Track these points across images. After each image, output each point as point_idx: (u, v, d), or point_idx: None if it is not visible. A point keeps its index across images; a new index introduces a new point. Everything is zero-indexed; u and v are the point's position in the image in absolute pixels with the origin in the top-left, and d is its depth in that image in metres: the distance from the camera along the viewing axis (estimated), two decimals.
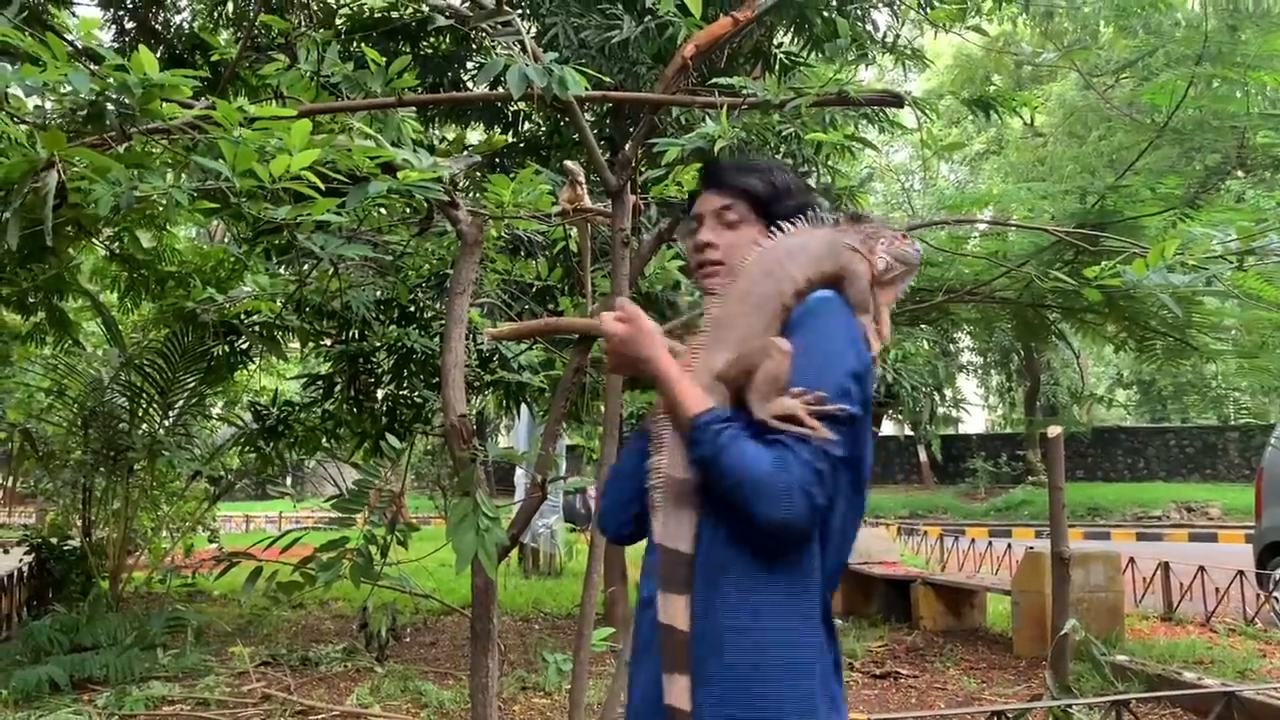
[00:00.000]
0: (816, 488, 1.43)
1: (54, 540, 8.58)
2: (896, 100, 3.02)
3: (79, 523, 8.63)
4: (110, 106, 2.25)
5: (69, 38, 3.71)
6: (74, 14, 6.58)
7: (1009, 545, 11.01)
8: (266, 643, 7.34)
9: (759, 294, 1.60)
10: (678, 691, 1.47)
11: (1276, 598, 8.56)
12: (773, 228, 1.69)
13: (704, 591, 1.50)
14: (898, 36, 8.05)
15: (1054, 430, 4.64)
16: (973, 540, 12.32)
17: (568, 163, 3.54)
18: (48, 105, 2.53)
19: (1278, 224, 4.64)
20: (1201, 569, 8.55)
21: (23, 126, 2.24)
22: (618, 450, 1.50)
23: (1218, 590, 8.32)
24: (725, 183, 1.77)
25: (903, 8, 7.41)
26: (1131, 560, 8.90)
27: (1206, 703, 4.67)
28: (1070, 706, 4.20)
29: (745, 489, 1.43)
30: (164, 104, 2.27)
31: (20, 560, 8.66)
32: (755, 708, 1.44)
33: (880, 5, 7.44)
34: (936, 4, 6.92)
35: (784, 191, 1.76)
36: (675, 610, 1.50)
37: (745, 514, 1.45)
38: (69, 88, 2.19)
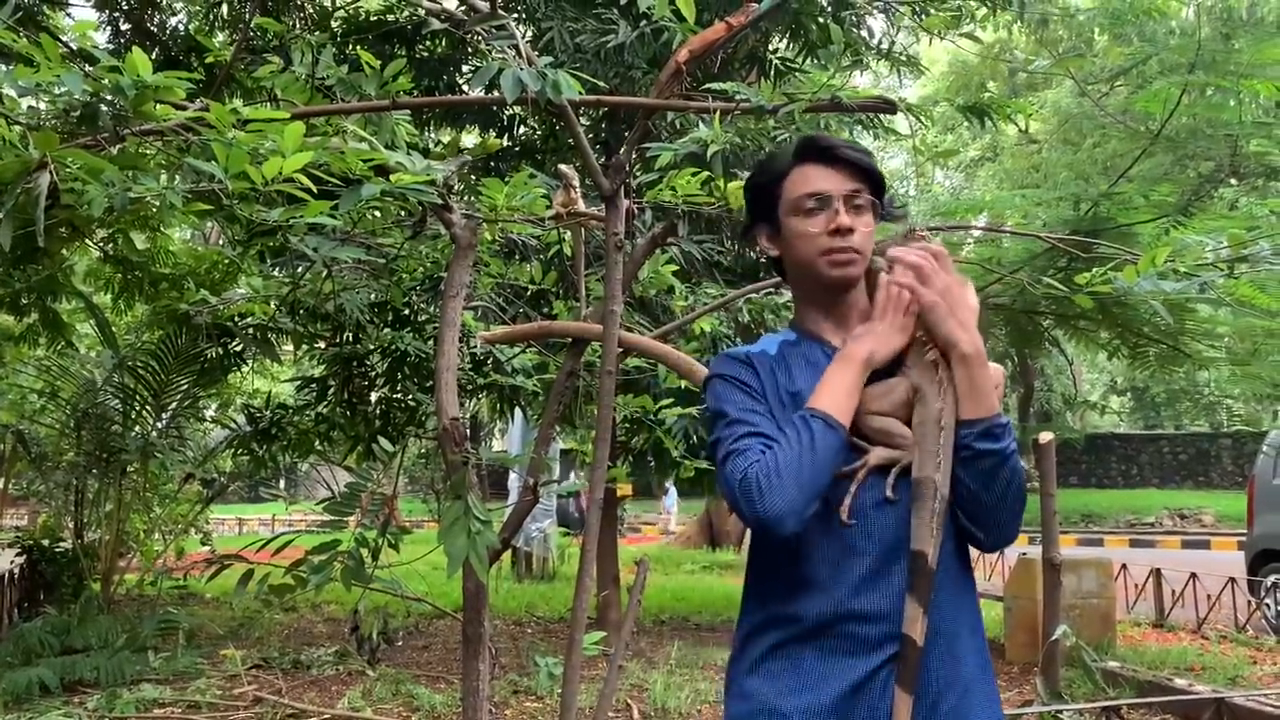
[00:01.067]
0: None
1: (46, 542, 8.54)
2: (889, 106, 3.03)
3: (71, 525, 8.61)
4: (104, 108, 2.25)
5: (64, 39, 3.71)
6: (69, 15, 6.59)
7: (1001, 551, 11.01)
8: (258, 645, 7.32)
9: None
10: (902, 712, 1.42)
11: (1268, 605, 8.59)
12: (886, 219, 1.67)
13: (948, 606, 1.50)
14: (893, 43, 8.07)
15: (1045, 436, 4.64)
16: None
17: (562, 167, 3.55)
18: (41, 106, 2.53)
19: (1270, 231, 4.66)
20: (1193, 576, 8.57)
21: (16, 127, 2.24)
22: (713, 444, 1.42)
23: (1209, 597, 8.34)
24: (849, 160, 1.63)
25: (897, 15, 7.43)
26: (1124, 567, 8.92)
27: (1197, 709, 4.68)
28: (1061, 712, 4.20)
29: (1021, 500, 1.49)
30: (158, 105, 2.27)
31: (12, 562, 8.63)
32: None
33: (875, 12, 7.46)
34: (931, 11, 6.94)
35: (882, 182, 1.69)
36: (914, 621, 1.44)
37: (1006, 523, 1.51)
38: (62, 89, 2.19)
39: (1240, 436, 24.23)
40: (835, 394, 1.50)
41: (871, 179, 1.63)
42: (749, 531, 1.55)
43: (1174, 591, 8.72)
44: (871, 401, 1.53)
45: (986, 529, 1.52)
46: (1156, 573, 8.92)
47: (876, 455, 1.51)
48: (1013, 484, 1.48)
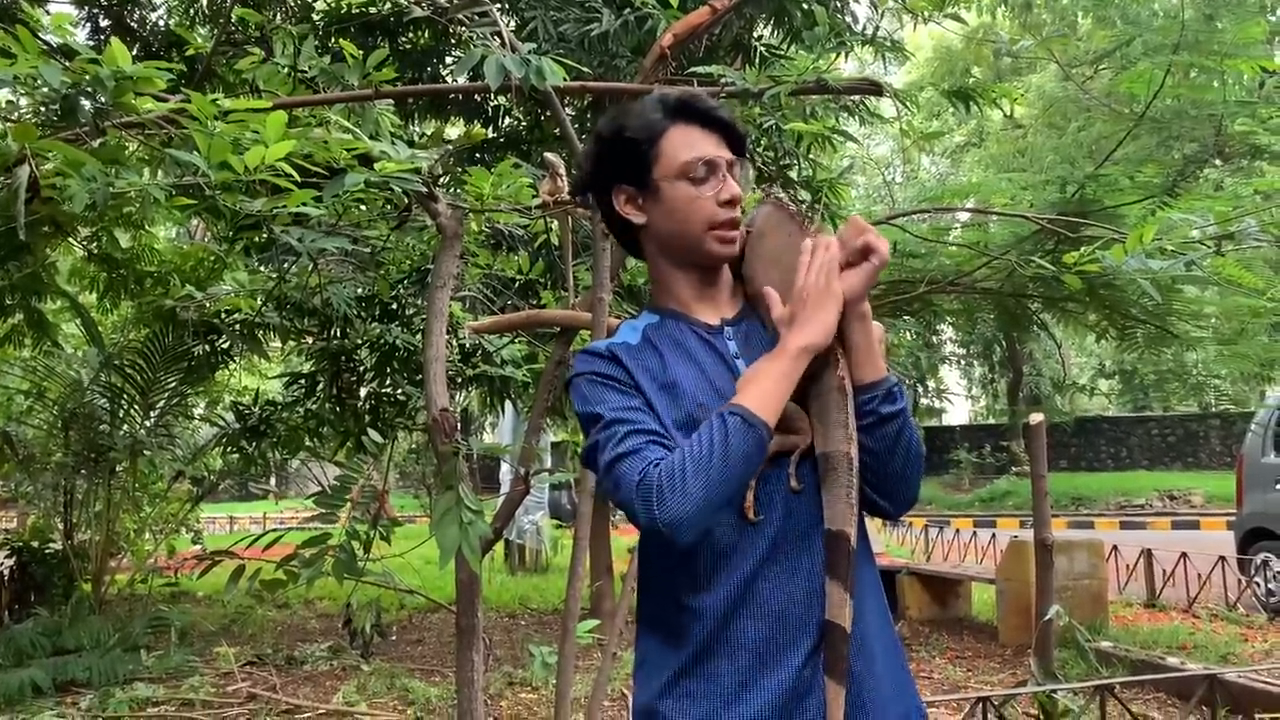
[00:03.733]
0: None
1: (35, 544, 8.50)
2: (875, 88, 3.02)
3: (60, 525, 8.56)
4: (84, 100, 2.22)
5: (43, 35, 3.67)
6: (48, 11, 6.52)
7: (993, 535, 11.06)
8: (251, 642, 7.31)
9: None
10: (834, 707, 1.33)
11: (1258, 583, 8.64)
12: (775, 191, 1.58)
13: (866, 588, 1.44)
14: (877, 29, 8.06)
15: (1036, 418, 4.65)
16: (957, 530, 12.38)
17: (548, 155, 3.53)
18: (21, 101, 2.50)
19: (1256, 210, 4.68)
20: (1184, 555, 8.62)
21: None
22: (587, 450, 1.33)
23: (1200, 576, 8.39)
24: (725, 123, 1.53)
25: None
26: (1115, 548, 8.96)
27: (1189, 686, 4.71)
28: (1055, 692, 4.22)
29: (921, 461, 1.46)
30: (138, 98, 2.24)
31: (1, 564, 8.59)
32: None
33: None
34: None
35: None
36: (840, 606, 1.35)
37: (906, 488, 1.47)
38: (41, 82, 2.16)
39: (1228, 416, 24.36)
40: (761, 388, 1.35)
41: (741, 145, 1.54)
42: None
43: (1165, 571, 8.77)
44: None
45: (892, 496, 1.46)
46: (1147, 553, 8.96)
47: (771, 445, 1.37)
48: (913, 445, 1.43)
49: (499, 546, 11.20)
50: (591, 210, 3.23)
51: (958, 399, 32.92)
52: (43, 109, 2.44)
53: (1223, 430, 24.36)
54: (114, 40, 2.17)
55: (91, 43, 6.57)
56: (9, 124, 2.06)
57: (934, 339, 23.35)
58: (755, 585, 1.38)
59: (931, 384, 29.00)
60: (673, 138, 1.50)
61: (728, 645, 1.37)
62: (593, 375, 1.46)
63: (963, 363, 29.73)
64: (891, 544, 13.12)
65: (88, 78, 2.16)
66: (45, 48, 3.01)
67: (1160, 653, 6.16)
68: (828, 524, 1.38)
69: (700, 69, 2.88)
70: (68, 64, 2.25)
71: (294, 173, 2.13)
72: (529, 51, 2.62)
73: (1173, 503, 20.22)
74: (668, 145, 1.50)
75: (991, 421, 29.42)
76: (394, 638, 7.77)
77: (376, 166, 2.46)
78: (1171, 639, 6.83)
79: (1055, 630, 4.79)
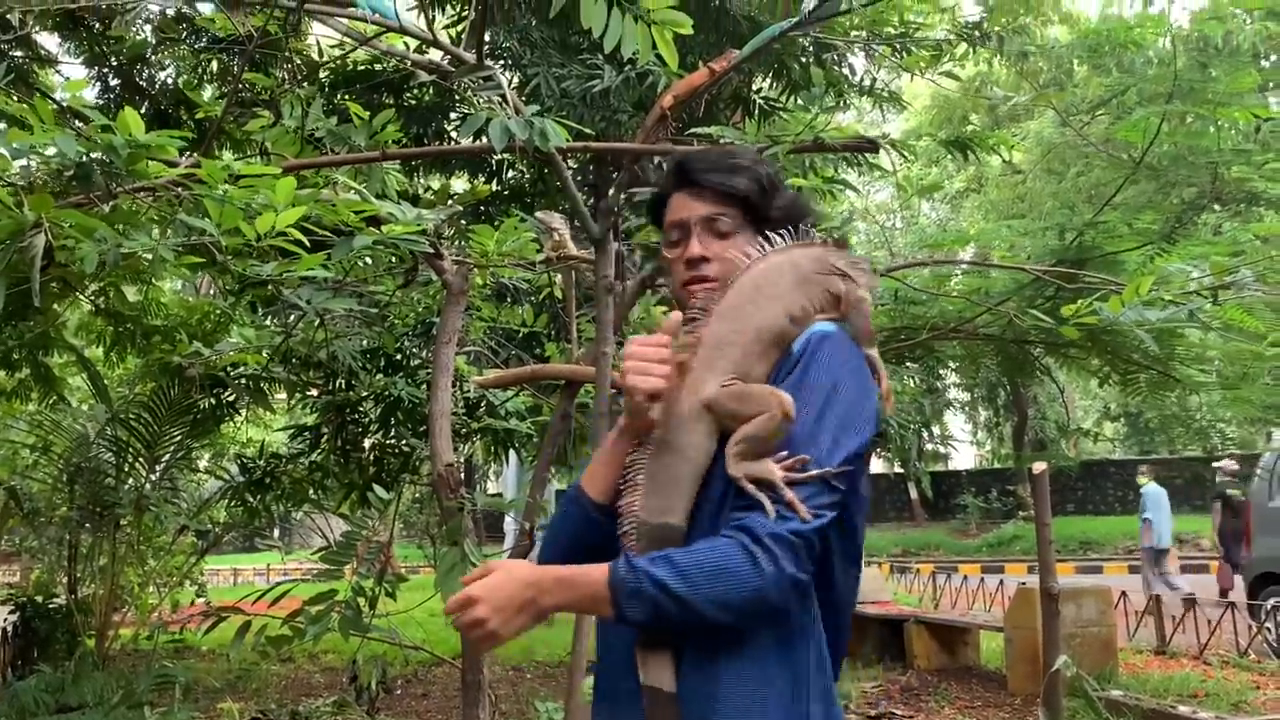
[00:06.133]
0: (795, 567, 1.27)
1: (39, 598, 8.47)
2: (872, 146, 3.07)
3: (64, 580, 8.53)
4: (96, 167, 2.27)
5: (55, 96, 3.75)
6: (59, 72, 6.64)
7: (1001, 581, 10.99)
8: (256, 698, 7.25)
9: (757, 317, 1.40)
10: None
11: (1269, 629, 8.57)
12: (763, 236, 1.48)
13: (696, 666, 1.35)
14: (874, 80, 8.18)
15: (1039, 466, 4.65)
16: (965, 577, 12.29)
17: (540, 214, 3.59)
18: (34, 166, 2.55)
19: (1255, 256, 4.71)
20: (1193, 601, 8.55)
21: (8, 188, 2.26)
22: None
23: (1210, 622, 8.32)
24: (710, 185, 1.53)
25: (879, 54, 7.54)
26: (1123, 594, 8.89)
27: None
28: None
29: (724, 615, 1.27)
30: (150, 163, 2.29)
31: (4, 619, 8.55)
32: None
33: (856, 51, 7.56)
34: (911, 50, 7.04)
35: (772, 188, 1.55)
36: (661, 669, 1.34)
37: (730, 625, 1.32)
38: (55, 150, 2.22)
39: (1217, 460, 24.24)
40: (597, 464, 1.47)
41: (738, 201, 1.52)
42: None
43: (1174, 617, 8.70)
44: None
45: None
46: (1156, 599, 8.90)
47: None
48: (694, 617, 1.35)
49: None
50: (595, 264, 3.27)
51: (963, 444, 32.82)
52: (56, 174, 2.49)
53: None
54: (127, 108, 2.23)
55: (101, 101, 6.67)
56: (25, 193, 2.11)
57: (938, 384, 23.34)
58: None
59: (936, 429, 28.93)
60: (670, 204, 1.58)
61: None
62: None
63: (967, 407, 29.69)
64: (899, 592, 13.03)
65: (101, 145, 2.21)
66: (56, 107, 3.08)
67: (1172, 701, 6.10)
68: (642, 677, 1.35)
69: (700, 129, 2.94)
70: (81, 129, 2.31)
71: (303, 238, 2.17)
72: (533, 113, 2.67)
73: (1181, 546, 20.06)
74: (666, 213, 1.59)
75: (997, 466, 29.29)
76: (399, 692, 7.71)
77: (384, 228, 2.50)
78: (1183, 687, 6.77)
79: (1064, 680, 4.75)
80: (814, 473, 1.30)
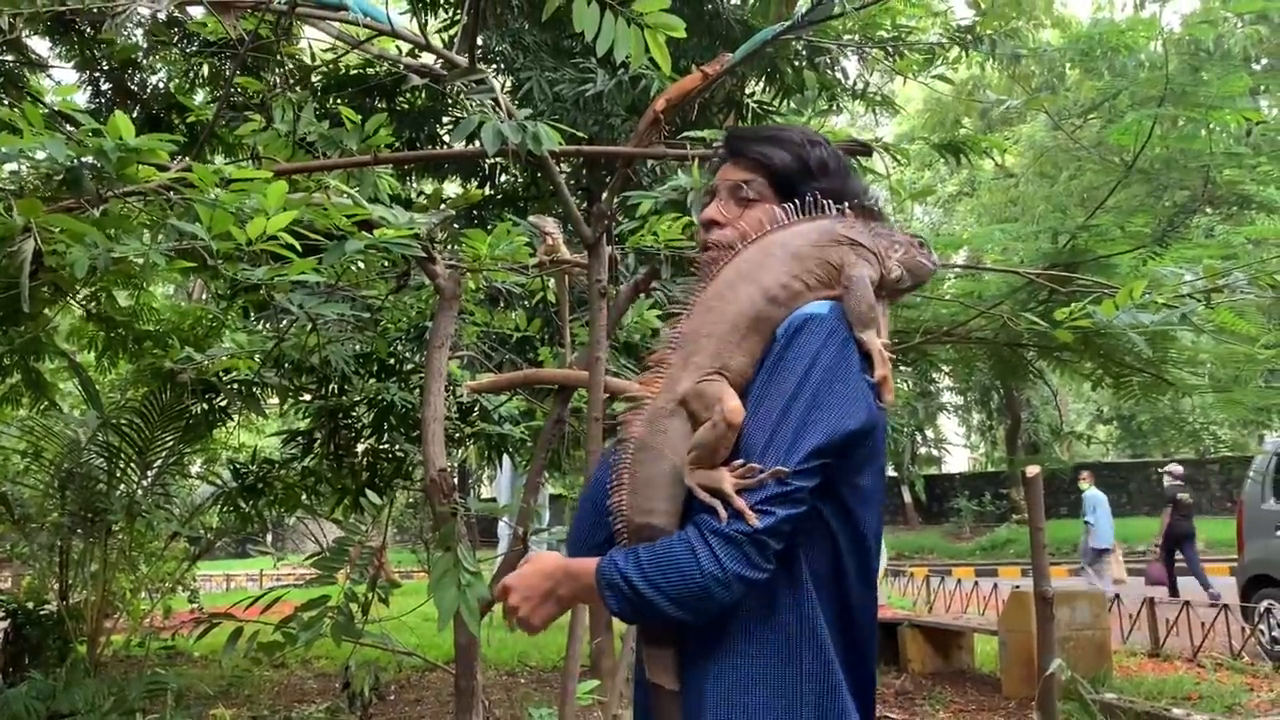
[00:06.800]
0: (741, 565, 1.25)
1: (30, 605, 8.42)
2: (865, 149, 3.07)
3: (56, 586, 8.49)
4: (86, 171, 2.26)
5: (45, 100, 3.73)
6: (50, 76, 6.61)
7: (995, 584, 11.00)
8: (248, 704, 7.23)
9: (733, 304, 1.35)
10: None
11: (1262, 631, 8.58)
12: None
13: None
14: (867, 84, 8.19)
15: (1032, 470, 4.64)
16: (959, 580, 12.30)
17: (533, 218, 3.58)
18: (23, 170, 2.54)
19: (1246, 259, 4.72)
20: (1187, 604, 8.56)
21: None
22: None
23: (1203, 625, 8.33)
24: (744, 153, 1.53)
25: (871, 57, 7.54)
26: (1117, 596, 8.91)
27: None
28: None
29: (675, 611, 1.27)
30: (141, 167, 2.28)
31: None
32: None
33: (849, 54, 7.56)
34: (904, 53, 7.05)
35: (816, 169, 1.49)
36: (662, 667, 1.36)
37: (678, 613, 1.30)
38: (45, 154, 2.20)
39: (1227, 462, 24.32)
40: None
41: (765, 170, 1.50)
42: None
43: (1168, 620, 8.71)
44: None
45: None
46: (1149, 602, 8.91)
47: None
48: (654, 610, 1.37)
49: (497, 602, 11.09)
50: (589, 267, 3.26)
51: (956, 447, 32.87)
52: (46, 179, 2.48)
53: (1222, 476, 24.31)
54: (118, 112, 2.22)
55: (92, 105, 6.65)
56: (14, 198, 2.10)
57: (931, 388, 23.36)
58: None
59: (929, 433, 28.96)
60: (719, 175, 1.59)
61: None
62: None
63: (960, 411, 29.72)
64: (893, 595, 13.03)
65: (92, 149, 2.20)
66: (46, 111, 3.06)
67: (1166, 704, 6.11)
68: (647, 674, 1.39)
69: (693, 133, 2.94)
70: (71, 133, 2.30)
71: (295, 242, 2.16)
72: (525, 116, 2.67)
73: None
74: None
75: (991, 469, 29.34)
76: (392, 698, 7.69)
77: (376, 232, 2.50)
78: (1177, 689, 6.78)
79: (1058, 683, 4.75)
80: (763, 475, 1.26)
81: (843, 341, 1.34)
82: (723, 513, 1.25)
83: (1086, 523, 13.55)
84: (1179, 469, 13.74)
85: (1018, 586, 7.47)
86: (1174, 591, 11.56)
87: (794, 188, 1.47)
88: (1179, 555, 12.64)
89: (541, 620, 1.39)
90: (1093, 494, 13.82)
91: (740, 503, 1.25)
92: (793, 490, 1.26)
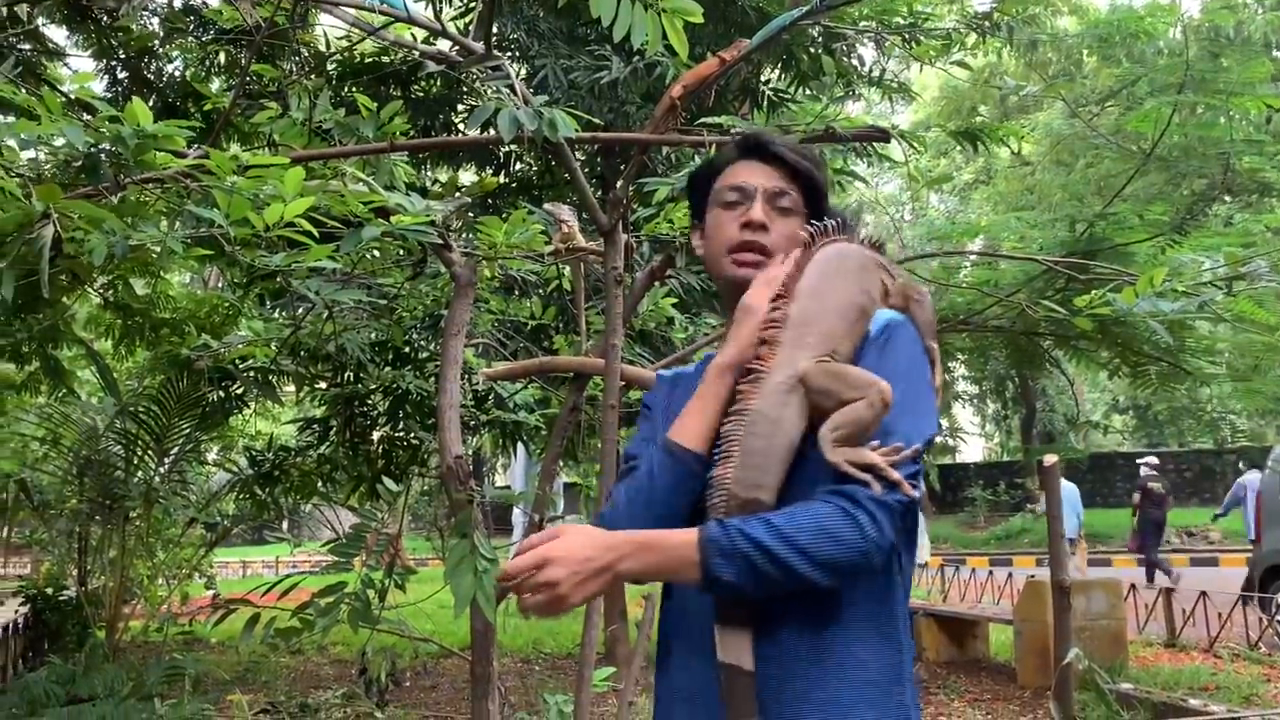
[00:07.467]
0: (894, 533, 1.30)
1: (49, 590, 8.51)
2: (883, 135, 3.05)
3: (74, 572, 8.57)
4: (104, 158, 2.26)
5: (63, 89, 3.74)
6: (67, 65, 6.64)
7: (1010, 574, 10.97)
8: (265, 690, 7.27)
9: (835, 295, 1.41)
10: None
11: (1279, 621, 8.54)
12: (813, 224, 1.49)
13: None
14: (883, 71, 8.14)
15: (1050, 459, 4.64)
16: (973, 569, 12.27)
17: (548, 206, 3.57)
18: (41, 157, 2.55)
19: (1266, 248, 4.68)
20: (1203, 594, 8.52)
21: (16, 179, 2.26)
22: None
23: (1220, 615, 8.29)
24: (785, 160, 1.53)
25: (888, 44, 7.50)
26: (1133, 587, 8.87)
27: None
28: None
29: (820, 575, 1.27)
30: (158, 154, 2.28)
31: (15, 611, 8.59)
32: None
33: (865, 41, 7.52)
34: (921, 39, 7.01)
35: (826, 190, 1.57)
36: (740, 648, 1.32)
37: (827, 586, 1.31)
38: (63, 140, 2.21)
39: (1245, 452, 24.16)
40: (688, 416, 1.42)
41: (806, 182, 1.54)
42: None
43: (1184, 610, 8.67)
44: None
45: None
46: (1166, 592, 8.87)
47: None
48: (793, 577, 1.34)
49: None
50: (605, 255, 3.26)
51: (971, 436, 32.78)
52: (64, 165, 2.49)
53: (1239, 466, 24.15)
54: (136, 100, 2.22)
55: (109, 94, 6.66)
56: (33, 184, 2.11)
57: (946, 377, 23.31)
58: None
59: (945, 422, 28.89)
60: (726, 173, 1.56)
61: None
62: (644, 403, 1.63)
63: (975, 400, 29.63)
64: None
65: (109, 135, 2.20)
66: (64, 100, 3.07)
67: (1182, 694, 6.08)
68: (720, 655, 1.33)
69: (709, 120, 2.92)
70: (89, 121, 2.30)
71: (312, 228, 2.16)
72: (541, 102, 2.66)
73: (1190, 539, 20.01)
74: (719, 179, 1.57)
75: (1006, 459, 29.25)
76: (408, 684, 7.72)
77: (393, 219, 2.49)
78: (1193, 680, 6.75)
79: (1075, 673, 4.74)
80: (908, 452, 1.32)
81: (924, 347, 1.46)
82: (876, 485, 1.28)
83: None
84: (1155, 460, 14.81)
85: (1032, 576, 7.44)
86: (1151, 578, 12.26)
87: (817, 204, 1.54)
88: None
89: (581, 598, 1.29)
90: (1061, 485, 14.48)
91: (896, 475, 1.29)
92: (919, 470, 1.34)
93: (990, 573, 11.64)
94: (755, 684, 1.31)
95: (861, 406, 1.31)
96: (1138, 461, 16.01)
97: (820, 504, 1.29)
